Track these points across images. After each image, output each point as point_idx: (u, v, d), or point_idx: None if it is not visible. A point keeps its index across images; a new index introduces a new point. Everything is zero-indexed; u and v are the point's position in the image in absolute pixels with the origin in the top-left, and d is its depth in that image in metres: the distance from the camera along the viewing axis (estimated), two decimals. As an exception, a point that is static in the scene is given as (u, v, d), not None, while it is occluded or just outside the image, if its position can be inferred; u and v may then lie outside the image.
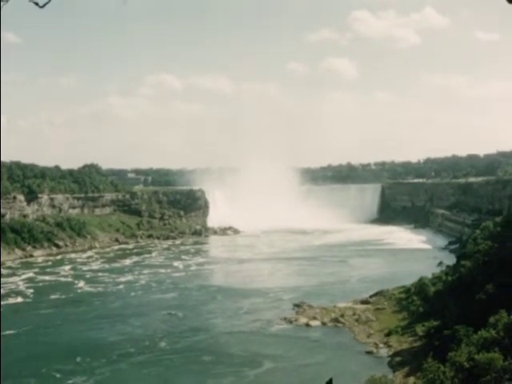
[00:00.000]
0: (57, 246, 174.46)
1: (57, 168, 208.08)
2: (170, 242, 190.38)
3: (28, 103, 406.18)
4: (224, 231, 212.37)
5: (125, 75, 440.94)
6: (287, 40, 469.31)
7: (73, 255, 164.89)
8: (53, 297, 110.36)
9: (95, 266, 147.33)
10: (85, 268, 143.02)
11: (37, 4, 10.92)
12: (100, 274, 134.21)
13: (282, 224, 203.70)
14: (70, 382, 65.47)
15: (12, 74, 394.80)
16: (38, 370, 69.03)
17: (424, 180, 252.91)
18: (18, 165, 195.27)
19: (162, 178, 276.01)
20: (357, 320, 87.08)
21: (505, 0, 10.91)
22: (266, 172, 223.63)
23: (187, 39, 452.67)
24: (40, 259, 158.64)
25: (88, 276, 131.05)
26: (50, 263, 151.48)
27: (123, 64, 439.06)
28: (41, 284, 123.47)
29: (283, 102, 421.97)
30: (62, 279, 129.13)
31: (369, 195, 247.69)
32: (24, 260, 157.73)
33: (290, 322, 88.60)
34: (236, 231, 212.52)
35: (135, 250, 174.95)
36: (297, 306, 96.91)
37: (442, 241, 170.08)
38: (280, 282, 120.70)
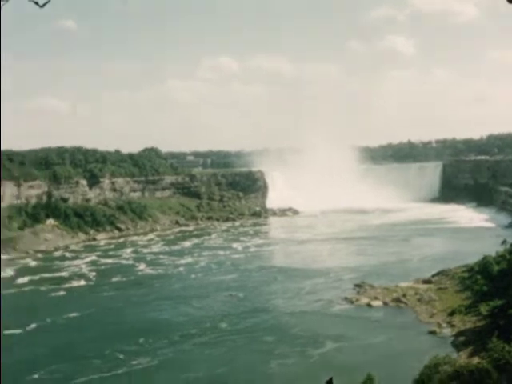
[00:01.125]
0: (119, 229, 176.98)
1: (117, 152, 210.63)
2: (229, 224, 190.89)
3: (90, 88, 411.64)
4: (283, 212, 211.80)
5: (183, 59, 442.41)
6: (346, 18, 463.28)
7: (134, 238, 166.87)
8: (114, 279, 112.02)
9: (156, 248, 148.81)
10: (145, 251, 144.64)
11: (36, 3, 10.79)
12: (160, 256, 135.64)
13: (342, 204, 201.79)
14: (134, 362, 66.14)
15: (74, 61, 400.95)
16: (102, 351, 69.89)
17: (487, 157, 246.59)
18: (80, 150, 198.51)
19: (220, 160, 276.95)
20: (419, 300, 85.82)
21: (505, 0, 10.59)
22: (325, 152, 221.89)
23: (243, 20, 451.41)
24: (103, 242, 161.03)
25: (149, 258, 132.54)
26: (112, 246, 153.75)
27: (181, 48, 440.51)
28: (103, 267, 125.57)
29: (342, 81, 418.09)
30: (124, 262, 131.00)
31: (430, 173, 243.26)
32: (87, 243, 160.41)
33: (352, 302, 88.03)
34: (295, 212, 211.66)
35: (195, 232, 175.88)
36: (358, 286, 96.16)
37: (505, 219, 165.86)
38: (340, 262, 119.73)
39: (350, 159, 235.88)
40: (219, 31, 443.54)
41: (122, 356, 68.17)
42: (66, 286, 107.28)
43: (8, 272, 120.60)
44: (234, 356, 68.10)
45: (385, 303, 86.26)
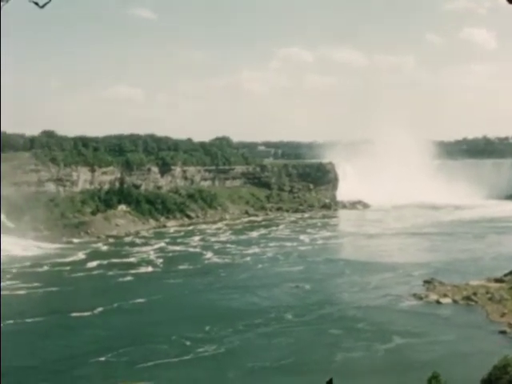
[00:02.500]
0: (188, 217, 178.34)
1: (189, 140, 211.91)
2: (298, 215, 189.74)
3: (165, 76, 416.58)
4: (353, 205, 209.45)
5: (257, 49, 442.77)
6: (422, 10, 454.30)
7: (203, 226, 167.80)
8: (181, 267, 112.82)
9: (223, 237, 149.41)
10: (213, 239, 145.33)
11: (36, 4, 10.53)
12: (228, 245, 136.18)
13: (413, 198, 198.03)
14: (201, 349, 66.35)
15: (150, 50, 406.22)
16: (168, 337, 70.40)
17: None
18: (152, 137, 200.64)
19: (291, 150, 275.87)
20: (490, 299, 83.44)
21: (505, 0, 10.33)
22: (398, 145, 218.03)
23: (319, 11, 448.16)
24: (172, 230, 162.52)
25: (216, 247, 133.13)
26: (181, 234, 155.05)
27: (256, 38, 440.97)
28: (171, 254, 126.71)
29: (418, 74, 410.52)
30: (191, 250, 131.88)
31: (506, 170, 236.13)
32: (157, 230, 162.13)
33: (420, 298, 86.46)
34: (365, 205, 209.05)
35: (263, 223, 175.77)
36: (427, 282, 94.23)
37: None
38: (409, 257, 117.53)
39: (423, 153, 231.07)
40: (294, 21, 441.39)
41: (188, 342, 68.51)
42: (134, 271, 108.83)
43: (79, 255, 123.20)
44: (300, 347, 67.63)
45: (454, 301, 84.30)
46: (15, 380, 57.33)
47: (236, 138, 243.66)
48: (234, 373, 59.88)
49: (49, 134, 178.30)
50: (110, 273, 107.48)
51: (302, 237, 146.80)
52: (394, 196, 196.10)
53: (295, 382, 58.38)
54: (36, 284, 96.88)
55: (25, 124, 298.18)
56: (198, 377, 58.30)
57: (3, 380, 56.95)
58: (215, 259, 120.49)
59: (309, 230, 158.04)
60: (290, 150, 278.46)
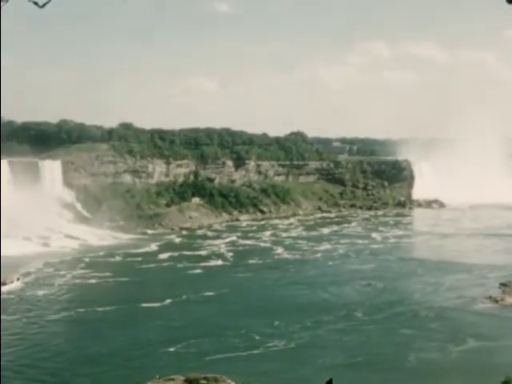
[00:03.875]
0: (261, 211, 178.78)
1: (264, 135, 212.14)
2: (372, 213, 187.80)
3: (241, 69, 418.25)
4: (428, 204, 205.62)
5: (333, 43, 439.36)
6: (503, 5, 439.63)
7: (276, 221, 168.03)
8: (251, 261, 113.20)
9: (295, 233, 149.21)
10: (284, 235, 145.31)
11: (36, 4, 10.54)
12: (299, 241, 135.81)
13: (491, 199, 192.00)
14: (270, 344, 66.37)
15: (227, 43, 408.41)
16: (237, 330, 70.72)
17: None
18: (228, 131, 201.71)
19: (367, 147, 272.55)
20: None
21: (505, 0, 10.43)
22: (476, 144, 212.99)
23: (396, 5, 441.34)
24: (244, 224, 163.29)
25: (287, 243, 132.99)
26: (252, 228, 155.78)
27: (331, 32, 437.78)
28: (241, 248, 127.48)
29: (498, 70, 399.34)
30: (262, 244, 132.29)
31: None
32: (230, 224, 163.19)
33: (496, 301, 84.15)
34: (441, 204, 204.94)
35: (336, 219, 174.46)
36: (504, 285, 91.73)
37: None
38: (485, 259, 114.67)
39: (502, 153, 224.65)
40: (372, 16, 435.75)
41: (257, 337, 68.64)
42: (203, 264, 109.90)
43: (152, 247, 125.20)
44: (372, 346, 66.83)
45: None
46: (86, 368, 58.47)
47: (311, 133, 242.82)
48: (304, 369, 59.40)
49: (126, 126, 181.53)
50: (180, 265, 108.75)
51: (374, 234, 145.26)
52: (471, 196, 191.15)
53: (369, 380, 57.37)
54: (107, 274, 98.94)
55: (103, 116, 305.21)
56: (267, 372, 57.89)
57: (75, 367, 58.40)
58: (285, 255, 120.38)
59: (381, 228, 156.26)
60: (365, 147, 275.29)
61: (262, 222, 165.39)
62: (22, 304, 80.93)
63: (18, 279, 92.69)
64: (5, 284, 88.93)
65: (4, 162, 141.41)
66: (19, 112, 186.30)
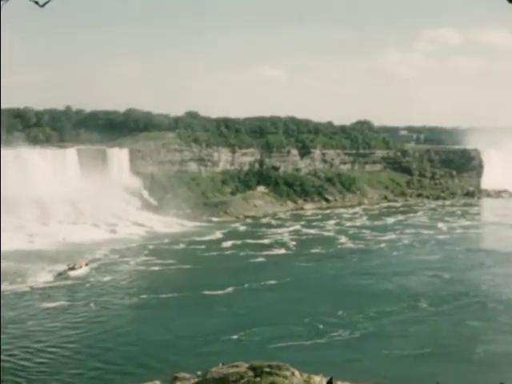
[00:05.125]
0: (326, 200, 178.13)
1: (329, 124, 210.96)
2: (439, 203, 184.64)
3: (307, 58, 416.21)
4: (498, 194, 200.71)
5: (399, 30, 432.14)
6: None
7: (341, 210, 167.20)
8: (314, 250, 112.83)
9: (359, 222, 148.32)
10: (348, 224, 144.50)
11: (37, 3, 10.63)
12: (363, 230, 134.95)
13: None
14: (335, 334, 66.38)
15: (292, 30, 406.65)
16: (301, 319, 70.76)
17: None
18: (293, 120, 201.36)
19: (434, 136, 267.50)
20: None
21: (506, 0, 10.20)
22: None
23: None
24: (309, 212, 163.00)
25: (351, 232, 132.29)
26: (317, 217, 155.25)
27: (398, 19, 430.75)
28: (304, 237, 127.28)
29: None
30: (326, 233, 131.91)
31: None
32: (294, 212, 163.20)
33: None
34: (511, 194, 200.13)
35: (401, 209, 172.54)
36: None
37: None
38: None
39: None
40: (439, 2, 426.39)
41: (321, 326, 68.61)
42: (266, 252, 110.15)
43: (216, 235, 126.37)
44: (438, 337, 66.11)
45: None
46: (150, 353, 59.56)
47: (377, 122, 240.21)
48: (369, 359, 59.08)
49: (192, 115, 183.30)
50: (243, 253, 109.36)
51: (440, 225, 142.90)
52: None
53: (438, 371, 55.24)
54: (171, 261, 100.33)
55: (170, 105, 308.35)
56: (332, 361, 57.29)
57: (148, 352, 59.58)
58: (349, 244, 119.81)
59: (448, 218, 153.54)
60: (432, 136, 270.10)
61: (327, 211, 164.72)
62: (89, 290, 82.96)
63: (86, 264, 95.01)
64: (74, 269, 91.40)
65: (72, 149, 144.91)
66: (88, 101, 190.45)
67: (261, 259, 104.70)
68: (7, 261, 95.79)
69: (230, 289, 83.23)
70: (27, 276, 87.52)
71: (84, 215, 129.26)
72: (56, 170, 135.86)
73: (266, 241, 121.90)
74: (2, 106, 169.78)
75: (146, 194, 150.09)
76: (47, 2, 10.46)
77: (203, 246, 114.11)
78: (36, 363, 56.93)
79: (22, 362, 56.70)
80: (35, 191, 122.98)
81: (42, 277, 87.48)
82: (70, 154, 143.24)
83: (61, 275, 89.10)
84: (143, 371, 53.30)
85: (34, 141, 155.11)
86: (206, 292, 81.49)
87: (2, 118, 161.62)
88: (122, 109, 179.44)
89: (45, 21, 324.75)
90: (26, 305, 75.15)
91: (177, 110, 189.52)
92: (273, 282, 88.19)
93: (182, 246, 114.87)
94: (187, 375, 47.27)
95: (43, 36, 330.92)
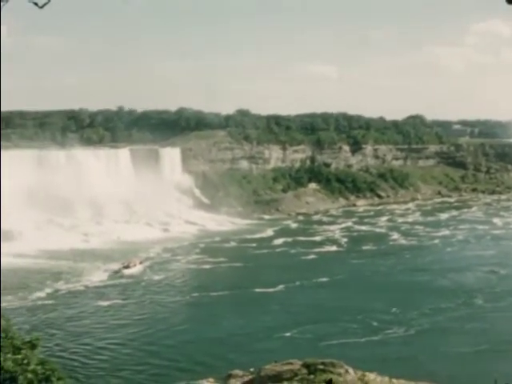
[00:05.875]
0: (379, 196, 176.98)
1: (381, 119, 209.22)
2: (494, 197, 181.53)
3: (358, 54, 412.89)
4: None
5: (449, 24, 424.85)
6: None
7: (393, 206, 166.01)
8: (365, 247, 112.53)
9: (412, 218, 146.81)
10: (401, 220, 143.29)
11: (36, 4, 10.68)
12: (416, 226, 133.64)
13: None
14: (389, 331, 65.89)
15: (342, 27, 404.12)
16: (354, 316, 70.40)
17: None
18: (344, 116, 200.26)
19: (489, 129, 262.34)
20: None
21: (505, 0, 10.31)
22: None
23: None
24: (361, 209, 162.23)
25: (403, 228, 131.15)
26: (369, 213, 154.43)
27: (447, 13, 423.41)
28: (356, 234, 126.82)
29: None
30: (377, 230, 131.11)
31: None
32: (346, 209, 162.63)
33: None
34: None
35: (455, 204, 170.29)
36: None
37: None
38: None
39: None
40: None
41: (375, 323, 68.15)
42: (317, 250, 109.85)
43: (268, 232, 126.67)
44: (496, 334, 65.02)
45: None
46: (204, 351, 59.87)
47: (430, 116, 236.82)
48: (425, 357, 58.22)
49: (243, 113, 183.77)
50: (294, 250, 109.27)
51: (495, 220, 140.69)
52: None
53: (498, 369, 53.31)
54: (222, 259, 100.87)
55: (221, 103, 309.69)
56: (387, 358, 56.80)
57: (202, 349, 60.05)
58: (401, 241, 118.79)
59: (503, 213, 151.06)
60: (487, 129, 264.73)
61: (379, 207, 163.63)
62: (142, 288, 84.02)
63: (140, 263, 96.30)
64: (128, 267, 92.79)
65: (125, 150, 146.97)
66: (139, 101, 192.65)
67: (312, 256, 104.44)
68: (63, 260, 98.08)
69: (281, 286, 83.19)
70: (82, 275, 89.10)
71: (137, 214, 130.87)
72: (109, 170, 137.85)
73: (317, 238, 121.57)
74: (56, 108, 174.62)
75: (197, 192, 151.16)
76: (46, 4, 10.60)
77: (254, 244, 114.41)
78: (94, 360, 57.89)
79: (82, 359, 57.70)
80: (89, 191, 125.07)
81: (97, 275, 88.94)
82: (123, 154, 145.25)
83: (116, 274, 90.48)
84: (198, 368, 53.98)
85: (88, 142, 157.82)
86: (258, 290, 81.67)
87: (56, 119, 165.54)
88: (173, 108, 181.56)
89: (96, 22, 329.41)
90: (82, 303, 76.51)
91: (228, 109, 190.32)
92: (324, 279, 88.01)
93: (233, 243, 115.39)
94: (241, 372, 47.66)
95: (95, 37, 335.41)
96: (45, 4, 10.60)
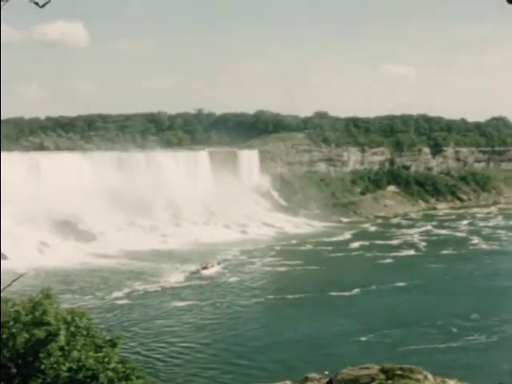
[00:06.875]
0: (460, 199, 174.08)
1: (463, 121, 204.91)
2: None
3: (437, 54, 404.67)
4: None
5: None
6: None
7: (475, 210, 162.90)
8: (444, 252, 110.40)
9: (493, 222, 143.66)
10: (482, 224, 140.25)
11: (37, 4, 10.54)
12: (497, 231, 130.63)
13: None
14: (470, 337, 64.21)
15: (418, 27, 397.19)
16: (432, 322, 69.07)
17: None
18: (424, 118, 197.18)
19: None
20: None
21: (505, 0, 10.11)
22: None
23: None
24: (441, 212, 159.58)
25: (484, 233, 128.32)
26: (450, 217, 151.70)
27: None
28: (435, 237, 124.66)
29: None
30: (458, 234, 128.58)
31: None
32: (426, 212, 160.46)
33: None
34: None
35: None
36: None
37: None
38: None
39: None
40: None
41: (454, 329, 66.59)
42: (394, 254, 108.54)
43: (345, 235, 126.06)
44: None
45: None
46: (279, 353, 59.77)
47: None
48: (509, 365, 56.24)
49: (322, 115, 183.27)
50: (370, 254, 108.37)
51: None
52: None
53: None
54: (298, 262, 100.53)
55: (299, 106, 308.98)
56: (468, 365, 55.28)
57: (269, 352, 60.15)
58: (482, 245, 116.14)
59: None
60: None
61: (460, 211, 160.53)
62: (218, 290, 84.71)
63: (218, 264, 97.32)
64: (206, 268, 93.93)
65: (204, 152, 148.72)
66: (217, 104, 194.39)
67: (389, 260, 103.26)
68: (142, 261, 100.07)
69: (357, 290, 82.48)
70: (160, 275, 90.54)
71: (215, 216, 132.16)
72: (188, 173, 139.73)
73: (394, 241, 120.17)
74: (137, 111, 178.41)
75: (275, 194, 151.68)
76: (47, 3, 10.66)
77: (330, 247, 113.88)
78: (177, 360, 58.69)
79: (163, 359, 58.55)
80: (168, 193, 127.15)
81: (175, 276, 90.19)
82: (202, 156, 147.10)
83: (193, 274, 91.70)
84: (274, 371, 53.81)
85: (167, 144, 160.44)
86: (333, 293, 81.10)
87: (136, 122, 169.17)
88: (251, 111, 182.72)
89: (172, 24, 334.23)
90: (159, 304, 77.60)
91: (306, 111, 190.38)
92: (401, 283, 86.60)
93: (309, 246, 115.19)
94: (317, 376, 47.40)
95: (171, 41, 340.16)
96: (45, 3, 10.65)
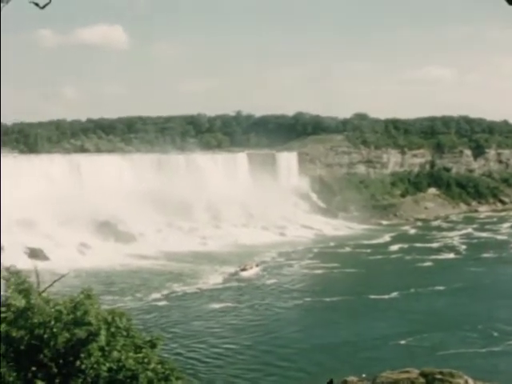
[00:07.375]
0: (502, 202, 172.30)
1: (505, 122, 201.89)
2: None
3: (479, 56, 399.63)
4: None
5: None
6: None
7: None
8: (485, 255, 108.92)
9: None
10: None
11: (37, 5, 10.60)
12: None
13: None
14: (512, 342, 63.46)
15: (459, 28, 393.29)
16: (473, 326, 67.88)
17: None
18: (465, 119, 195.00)
19: None
20: None
21: (505, 1, 10.34)
22: None
23: None
24: (483, 215, 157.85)
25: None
26: (491, 219, 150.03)
27: None
28: (475, 240, 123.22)
29: None
30: (499, 237, 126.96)
31: None
32: (468, 214, 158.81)
33: None
34: None
35: None
36: None
37: None
38: None
39: None
40: None
41: (496, 333, 65.36)
42: (434, 257, 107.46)
43: (385, 238, 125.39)
44: None
45: None
46: (319, 356, 59.58)
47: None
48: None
49: (361, 117, 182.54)
50: (409, 257, 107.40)
51: None
52: None
53: None
54: (336, 264, 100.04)
55: (338, 107, 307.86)
56: (510, 371, 54.41)
57: (309, 355, 59.97)
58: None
59: None
60: None
61: (502, 214, 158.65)
62: (256, 292, 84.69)
63: (257, 265, 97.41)
64: (245, 270, 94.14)
65: (243, 154, 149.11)
66: (257, 106, 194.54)
67: (428, 263, 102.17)
68: (182, 262, 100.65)
69: (396, 293, 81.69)
70: (199, 277, 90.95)
71: (254, 218, 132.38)
72: (227, 174, 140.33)
73: (434, 244, 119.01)
74: (177, 113, 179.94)
75: (314, 196, 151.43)
76: (47, 4, 10.71)
77: (369, 250, 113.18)
78: (212, 359, 58.85)
79: (203, 360, 58.75)
80: (208, 195, 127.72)
81: (213, 278, 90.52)
82: (241, 158, 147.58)
83: (232, 276, 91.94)
84: (313, 373, 53.74)
85: (207, 146, 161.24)
86: (371, 296, 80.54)
87: (176, 124, 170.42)
88: (290, 113, 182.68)
89: (211, 26, 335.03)
90: (197, 305, 77.88)
91: (345, 113, 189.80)
92: (441, 287, 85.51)
93: (347, 249, 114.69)
94: (356, 379, 47.25)
95: (210, 42, 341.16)
96: (46, 4, 10.72)
